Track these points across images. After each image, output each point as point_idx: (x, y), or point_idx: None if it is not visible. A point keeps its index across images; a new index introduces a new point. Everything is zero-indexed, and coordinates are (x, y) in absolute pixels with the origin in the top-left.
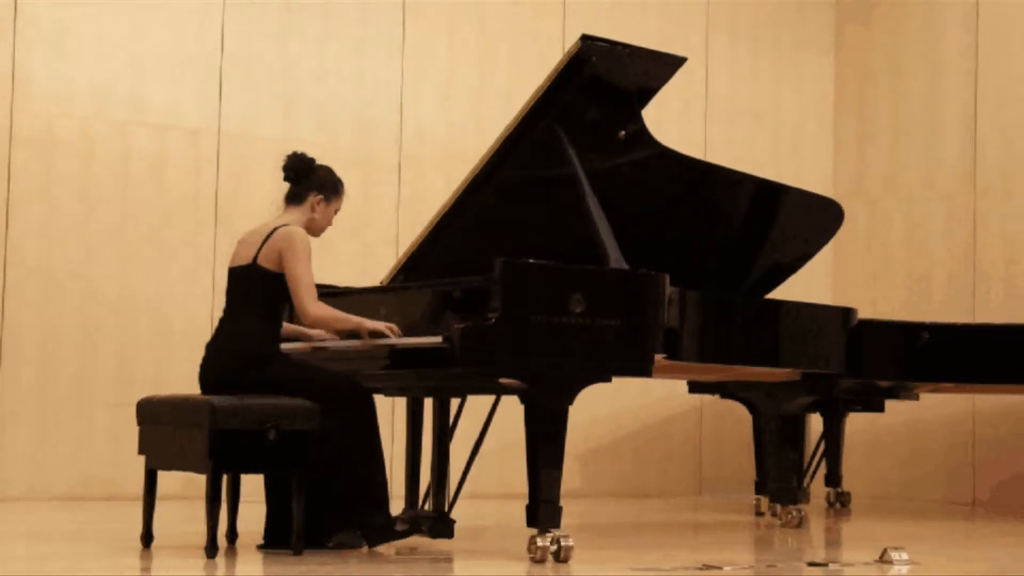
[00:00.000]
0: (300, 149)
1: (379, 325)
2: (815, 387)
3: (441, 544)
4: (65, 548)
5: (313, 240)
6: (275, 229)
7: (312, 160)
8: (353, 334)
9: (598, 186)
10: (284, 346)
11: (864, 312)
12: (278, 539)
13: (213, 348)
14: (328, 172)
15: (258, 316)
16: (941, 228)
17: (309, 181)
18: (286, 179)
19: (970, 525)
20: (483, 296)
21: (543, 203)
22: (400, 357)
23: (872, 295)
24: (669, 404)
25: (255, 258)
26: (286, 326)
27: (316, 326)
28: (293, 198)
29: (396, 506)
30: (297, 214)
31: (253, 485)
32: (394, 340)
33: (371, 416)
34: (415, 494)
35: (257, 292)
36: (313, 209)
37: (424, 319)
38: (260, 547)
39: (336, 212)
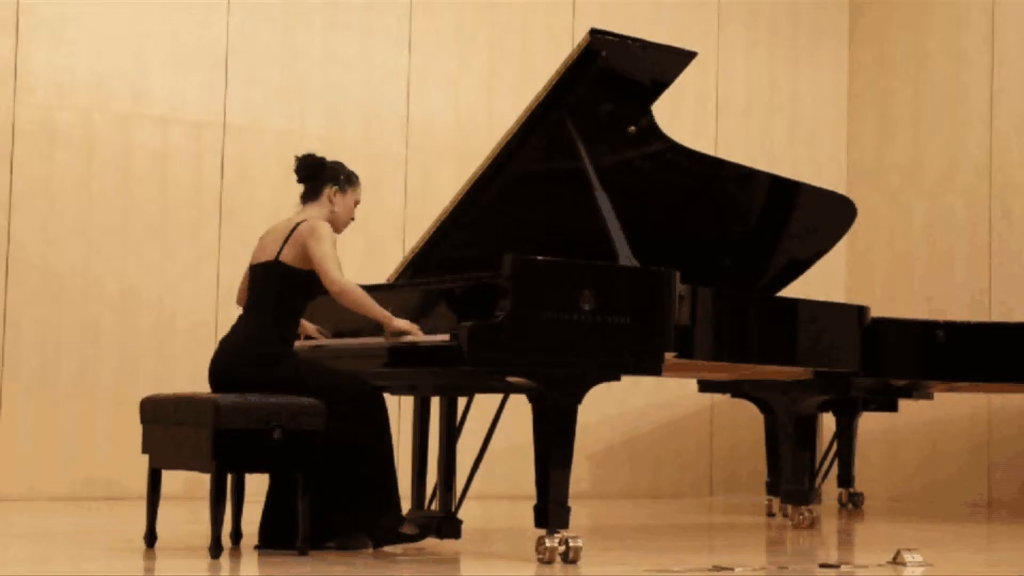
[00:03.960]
0: (305, 143)
1: (405, 324)
2: (830, 386)
3: (448, 545)
4: (67, 549)
5: None
6: (297, 224)
7: (322, 158)
8: (375, 330)
9: (608, 181)
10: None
11: (882, 309)
12: (273, 539)
13: (224, 345)
14: (339, 165)
15: (273, 314)
16: (962, 222)
17: (322, 177)
18: (299, 181)
19: (986, 527)
20: (492, 293)
21: (553, 198)
22: (407, 355)
23: (889, 291)
24: (680, 405)
25: (278, 254)
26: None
27: (341, 297)
28: (309, 195)
29: (403, 506)
30: (316, 209)
31: (258, 485)
32: (418, 339)
33: (382, 416)
34: (422, 494)
35: (276, 289)
36: (331, 201)
37: (432, 316)
38: (256, 548)
39: (357, 204)
